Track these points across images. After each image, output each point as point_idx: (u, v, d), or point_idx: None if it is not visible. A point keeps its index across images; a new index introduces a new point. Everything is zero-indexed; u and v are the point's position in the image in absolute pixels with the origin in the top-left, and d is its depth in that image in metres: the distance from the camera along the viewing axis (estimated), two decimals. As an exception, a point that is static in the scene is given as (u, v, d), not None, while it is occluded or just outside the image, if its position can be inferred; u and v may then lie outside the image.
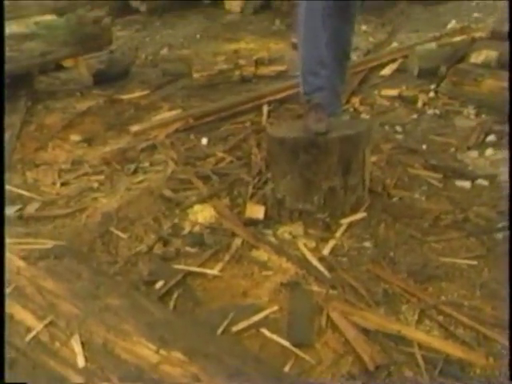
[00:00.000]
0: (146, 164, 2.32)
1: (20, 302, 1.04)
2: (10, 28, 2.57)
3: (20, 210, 2.03)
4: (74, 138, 2.75)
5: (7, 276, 1.08)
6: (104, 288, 1.10)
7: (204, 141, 2.51)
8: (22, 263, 1.17)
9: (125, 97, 3.36)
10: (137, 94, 3.42)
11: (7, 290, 1.06)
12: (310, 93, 1.74)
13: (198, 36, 4.83)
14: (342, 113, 2.47)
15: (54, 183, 2.27)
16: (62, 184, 2.26)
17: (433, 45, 3.09)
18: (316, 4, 1.59)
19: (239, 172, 2.14)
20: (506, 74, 2.54)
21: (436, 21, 4.45)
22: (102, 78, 3.71)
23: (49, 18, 2.84)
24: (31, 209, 2.05)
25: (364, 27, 4.34)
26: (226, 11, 5.32)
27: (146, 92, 3.44)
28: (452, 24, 4.26)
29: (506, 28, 2.81)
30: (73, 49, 3.00)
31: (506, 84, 2.49)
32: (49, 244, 1.35)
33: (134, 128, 2.67)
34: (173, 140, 2.56)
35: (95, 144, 2.67)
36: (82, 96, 3.53)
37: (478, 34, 2.94)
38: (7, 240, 1.22)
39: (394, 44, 3.86)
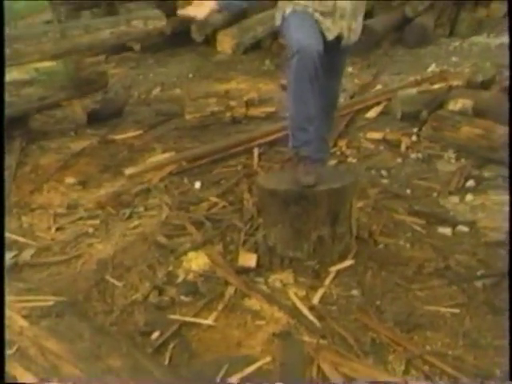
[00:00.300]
0: (141, 209, 2.39)
1: (23, 364, 1.07)
2: (11, 75, 2.68)
3: (15, 256, 2.07)
4: (69, 180, 2.82)
5: (10, 336, 1.12)
6: (105, 348, 1.15)
7: (197, 185, 2.60)
8: (24, 322, 1.21)
9: (118, 137, 3.46)
10: (130, 134, 3.52)
11: (10, 351, 1.10)
12: (298, 146, 1.85)
13: (190, 75, 5.01)
14: (329, 157, 2.62)
15: (49, 228, 2.32)
16: (58, 229, 2.31)
17: (414, 90, 3.28)
18: (304, 66, 1.71)
19: (232, 218, 2.22)
20: (480, 122, 2.72)
21: (417, 64, 4.71)
22: (96, 117, 3.82)
23: (48, 64, 2.95)
24: (26, 255, 2.10)
25: (350, 69, 4.55)
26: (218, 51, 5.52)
27: (139, 132, 3.54)
28: (432, 67, 4.51)
29: (480, 78, 3.02)
30: (70, 93, 3.12)
31: (481, 131, 2.67)
32: (50, 301, 1.39)
33: (129, 171, 2.75)
34: (167, 183, 2.64)
35: (90, 187, 2.74)
36: (77, 135, 3.62)
37: (455, 82, 3.14)
38: (8, 297, 1.27)
39: (379, 86, 4.06)
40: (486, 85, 2.99)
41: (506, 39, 5.45)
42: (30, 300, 1.38)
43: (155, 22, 3.63)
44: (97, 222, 2.33)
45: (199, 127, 3.49)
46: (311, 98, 1.76)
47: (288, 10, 1.87)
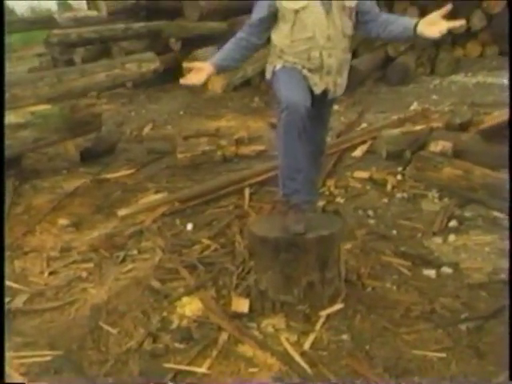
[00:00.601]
0: (134, 252, 2.44)
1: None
2: (8, 118, 2.75)
3: (8, 303, 2.09)
4: (62, 221, 2.86)
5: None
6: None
7: (189, 226, 2.66)
8: (23, 380, 1.24)
9: (111, 176, 3.54)
10: (123, 172, 3.60)
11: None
12: (288, 195, 1.94)
13: (181, 112, 5.15)
14: (318, 198, 2.72)
15: (42, 272, 2.35)
16: (51, 273, 2.34)
17: (397, 131, 3.44)
18: (293, 121, 1.82)
19: (224, 261, 2.28)
20: (460, 163, 2.87)
21: (400, 102, 4.93)
22: (89, 155, 3.90)
23: (44, 107, 3.05)
24: (19, 301, 2.11)
25: (336, 107, 4.73)
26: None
27: (131, 171, 3.62)
28: (414, 106, 4.73)
29: (458, 120, 3.20)
30: (64, 135, 3.19)
31: (461, 172, 2.81)
32: (47, 356, 1.42)
33: (122, 212, 2.81)
34: (159, 225, 2.70)
35: (83, 228, 2.78)
36: (69, 174, 3.68)
37: (435, 124, 3.31)
38: (6, 353, 1.29)
39: (364, 125, 4.24)
40: (463, 127, 3.17)
41: (481, 78, 5.77)
42: (28, 356, 1.40)
43: (149, 64, 3.78)
44: (90, 265, 2.37)
45: (191, 166, 3.59)
46: (300, 150, 1.87)
47: (278, 66, 2.00)
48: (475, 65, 6.22)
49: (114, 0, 6.29)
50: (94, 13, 6.38)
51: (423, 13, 6.97)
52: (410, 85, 5.64)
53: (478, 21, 6.58)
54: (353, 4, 1.93)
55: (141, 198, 3.07)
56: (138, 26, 5.73)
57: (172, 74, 6.13)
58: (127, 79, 3.70)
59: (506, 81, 5.51)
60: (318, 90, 2.01)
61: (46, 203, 3.14)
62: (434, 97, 5.07)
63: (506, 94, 5.00)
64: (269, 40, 2.06)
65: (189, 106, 5.29)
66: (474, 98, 4.90)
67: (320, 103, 2.07)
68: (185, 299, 2.02)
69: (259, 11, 1.97)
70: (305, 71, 1.98)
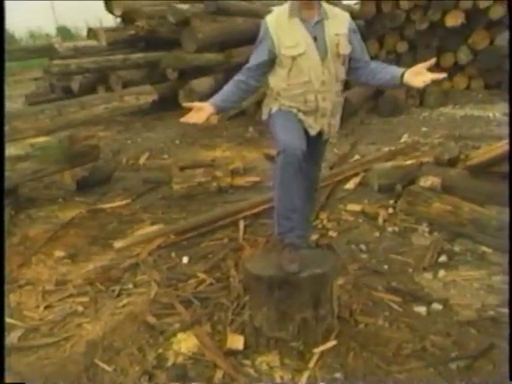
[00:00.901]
0: (130, 286, 2.47)
1: None
2: (8, 151, 2.81)
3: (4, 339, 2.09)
4: (58, 253, 2.88)
5: None
6: None
7: (185, 259, 2.70)
8: None
9: (107, 206, 3.58)
10: (119, 202, 3.64)
11: None
12: (283, 233, 2.00)
13: (177, 141, 5.25)
14: (311, 231, 2.79)
15: (37, 306, 2.36)
16: (46, 307, 2.35)
17: (388, 164, 3.55)
18: (289, 164, 1.90)
19: (219, 295, 2.31)
20: (449, 198, 2.96)
21: (391, 133, 5.09)
22: (85, 184, 3.94)
23: (43, 139, 3.12)
24: (14, 337, 2.12)
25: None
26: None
27: (127, 201, 3.67)
28: (405, 137, 4.88)
29: (446, 156, 3.32)
30: (63, 166, 3.25)
31: (450, 207, 2.90)
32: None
33: (118, 244, 2.85)
34: (155, 258, 2.74)
35: (79, 260, 2.81)
36: (65, 203, 3.71)
37: (425, 159, 3.43)
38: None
39: (356, 157, 4.35)
40: (452, 162, 3.28)
41: (468, 111, 5.98)
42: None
43: (147, 96, 3.89)
44: (86, 299, 2.39)
45: (186, 197, 3.65)
46: (295, 190, 1.94)
47: (274, 109, 2.11)
48: (462, 97, 6.45)
49: (113, 31, 6.47)
50: (93, 42, 6.54)
51: (412, 48, 7.29)
52: (400, 116, 5.82)
53: (464, 55, 6.86)
54: (347, 51, 2.05)
55: (137, 230, 3.11)
56: (137, 56, 5.89)
57: (168, 102, 6.29)
58: (125, 111, 3.79)
59: (491, 114, 5.73)
60: (313, 132, 2.11)
61: (41, 234, 3.16)
62: (424, 128, 5.24)
63: (491, 127, 5.21)
64: (266, 82, 2.17)
65: (184, 135, 5.39)
66: (462, 130, 5.07)
67: (314, 143, 2.17)
68: (180, 335, 2.04)
69: (258, 55, 2.08)
70: (300, 114, 2.08)
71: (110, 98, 3.56)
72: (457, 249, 2.72)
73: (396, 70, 2.04)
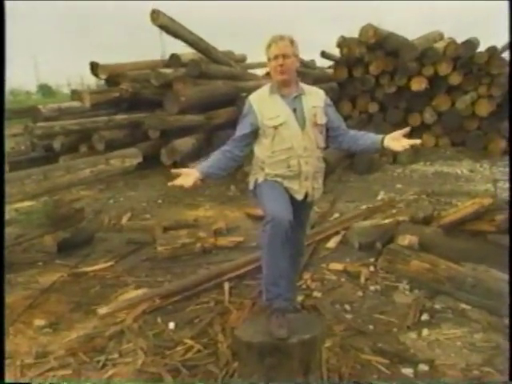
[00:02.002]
0: (115, 355, 2.42)
1: None
2: (-9, 217, 2.81)
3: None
4: (38, 322, 2.80)
5: None
6: None
7: (171, 325, 2.68)
8: None
9: (90, 269, 3.54)
10: (101, 265, 3.62)
11: None
12: (271, 299, 2.07)
13: (159, 200, 5.33)
14: (297, 293, 2.84)
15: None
16: None
17: (368, 223, 3.72)
18: (277, 234, 2.01)
19: (207, 362, 2.30)
20: (426, 256, 3.11)
21: (368, 191, 5.34)
22: (66, 246, 3.91)
23: (28, 203, 3.15)
24: (-9, 418, 2.02)
25: (308, 196, 5.07)
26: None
27: (110, 263, 3.65)
28: (381, 195, 5.13)
29: (421, 214, 3.52)
30: (46, 229, 3.25)
31: (428, 265, 3.03)
32: None
33: (102, 311, 2.81)
34: (141, 324, 2.71)
35: (60, 329, 2.74)
36: (45, 267, 3.66)
37: (401, 218, 3.62)
38: None
39: (336, 215, 4.53)
40: (427, 220, 3.48)
41: (438, 167, 6.37)
42: None
43: (132, 159, 4.02)
44: (69, 371, 2.31)
45: (171, 258, 3.68)
46: (283, 258, 2.04)
47: (260, 179, 2.25)
48: (432, 154, 6.89)
49: (97, 94, 6.72)
50: (77, 103, 6.74)
51: (382, 108, 7.83)
52: (376, 173, 6.13)
53: (429, 116, 7.43)
54: (323, 121, 2.25)
55: (120, 294, 3.09)
56: (120, 118, 6.09)
57: (150, 161, 6.44)
58: (111, 173, 3.88)
59: (459, 171, 6.12)
60: (299, 197, 2.25)
61: (20, 301, 3.08)
62: (398, 185, 5.53)
63: (461, 183, 5.55)
64: (252, 152, 2.34)
65: (167, 194, 5.48)
66: (434, 186, 5.38)
67: (300, 208, 2.30)
68: (169, 408, 2.00)
69: (242, 128, 2.26)
70: (285, 182, 2.23)
71: (95, 161, 3.66)
72: (437, 306, 2.81)
73: (375, 136, 2.25)
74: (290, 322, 2.03)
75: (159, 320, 2.76)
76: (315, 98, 2.27)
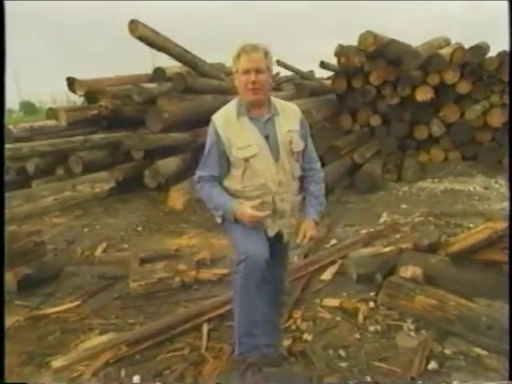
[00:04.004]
0: (66, 421, 2.20)
1: None
2: None
3: None
4: (-16, 377, 2.59)
5: None
6: None
7: (136, 379, 2.46)
8: None
9: (51, 310, 3.33)
10: (66, 305, 3.41)
11: None
12: (245, 352, 1.86)
13: (139, 228, 5.14)
14: (282, 336, 2.63)
15: None
16: None
17: (367, 252, 3.51)
18: (252, 275, 1.82)
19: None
20: (433, 291, 2.89)
21: (369, 212, 5.13)
22: (28, 284, 3.70)
23: (-21, 238, 2.96)
24: None
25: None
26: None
27: (77, 302, 3.44)
28: (384, 217, 4.92)
29: (426, 242, 3.32)
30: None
31: (435, 302, 2.82)
32: None
33: (56, 363, 2.59)
34: (101, 377, 2.49)
35: (8, 386, 2.52)
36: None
37: (404, 245, 3.41)
38: None
39: (333, 241, 4.32)
40: (432, 248, 3.27)
41: (448, 184, 6.18)
42: None
43: (103, 184, 3.85)
44: None
45: (145, 296, 3.46)
46: (258, 303, 1.85)
47: (232, 211, 2.06)
48: (441, 170, 6.70)
49: (74, 111, 6.62)
50: (52, 122, 6.63)
51: (385, 121, 7.69)
52: (379, 192, 5.94)
53: (437, 128, 7.28)
54: (300, 148, 2.08)
55: (82, 341, 2.87)
56: (98, 137, 5.96)
57: (132, 183, 6.29)
58: (78, 201, 3.71)
59: (471, 188, 5.92)
60: (271, 233, 2.06)
61: (-32, 351, 2.87)
62: (404, 205, 5.33)
63: (474, 202, 5.34)
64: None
65: (148, 221, 5.30)
66: (443, 207, 5.17)
67: (276, 243, 2.11)
68: None
69: (210, 167, 2.10)
70: (258, 216, 2.05)
71: (60, 188, 3.49)
72: (448, 351, 2.58)
73: (312, 211, 2.21)
74: (268, 379, 1.82)
75: (123, 373, 2.53)
76: (290, 119, 2.08)
